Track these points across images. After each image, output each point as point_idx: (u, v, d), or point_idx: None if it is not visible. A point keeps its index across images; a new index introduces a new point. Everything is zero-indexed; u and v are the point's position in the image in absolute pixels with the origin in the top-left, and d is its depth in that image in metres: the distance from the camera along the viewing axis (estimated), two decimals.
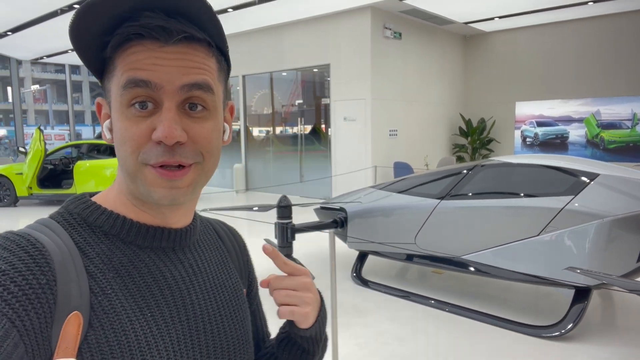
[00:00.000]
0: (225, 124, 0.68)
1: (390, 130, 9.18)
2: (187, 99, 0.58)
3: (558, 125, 10.02)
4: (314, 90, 10.66)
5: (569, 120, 9.89)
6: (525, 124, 10.38)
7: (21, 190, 9.18)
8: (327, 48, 9.23)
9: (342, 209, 4.63)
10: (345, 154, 9.22)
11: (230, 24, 9.54)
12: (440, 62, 10.47)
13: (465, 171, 3.94)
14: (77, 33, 0.57)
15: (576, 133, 9.84)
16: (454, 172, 4.06)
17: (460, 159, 10.67)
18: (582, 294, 3.29)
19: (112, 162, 9.04)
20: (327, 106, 9.71)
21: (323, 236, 5.30)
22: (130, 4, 0.55)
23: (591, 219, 3.14)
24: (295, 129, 10.80)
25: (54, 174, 9.50)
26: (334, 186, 9.37)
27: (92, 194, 0.69)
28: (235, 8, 8.47)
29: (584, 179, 3.34)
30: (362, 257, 4.75)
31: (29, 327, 0.51)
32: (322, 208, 4.97)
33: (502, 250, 3.51)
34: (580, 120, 9.73)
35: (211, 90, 0.60)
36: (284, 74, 10.68)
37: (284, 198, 4.51)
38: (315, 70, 10.23)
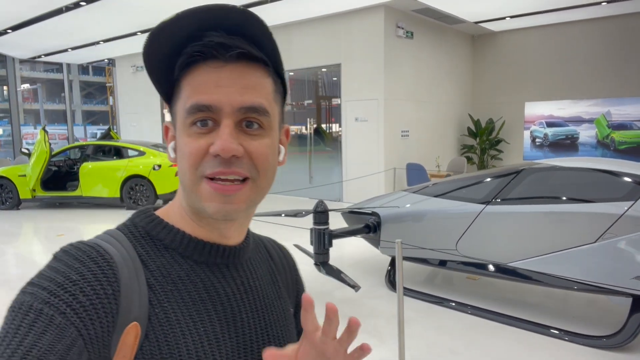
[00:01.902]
0: (281, 145, 0.70)
1: (402, 131, 9.06)
2: (244, 119, 0.61)
3: (568, 125, 9.97)
4: (316, 90, 10.52)
5: (579, 120, 9.85)
6: (534, 125, 10.32)
7: (24, 193, 8.90)
8: (339, 47, 9.08)
9: (374, 214, 4.48)
10: (357, 155, 9.08)
11: None
12: (449, 62, 10.37)
13: (511, 175, 3.81)
14: (150, 54, 0.61)
15: (586, 134, 9.80)
16: (498, 175, 3.93)
17: (469, 160, 10.58)
18: None
19: (119, 164, 8.80)
20: (330, 106, 9.57)
21: (347, 241, 5.14)
22: (197, 24, 0.59)
23: None
24: (303, 129, 10.64)
25: (58, 175, 9.23)
26: (345, 188, 9.22)
27: (157, 208, 0.71)
28: (246, 7, 8.29)
29: None
30: (394, 263, 4.60)
31: (92, 335, 0.53)
32: (351, 212, 4.82)
33: (555, 257, 3.39)
34: (590, 121, 9.69)
35: (267, 113, 0.62)
36: (291, 73, 10.52)
37: (321, 203, 4.35)
38: (323, 69, 10.08)
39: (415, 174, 8.33)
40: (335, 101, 9.74)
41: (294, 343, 0.73)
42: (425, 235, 4.10)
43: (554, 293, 4.18)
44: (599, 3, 8.40)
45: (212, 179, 0.61)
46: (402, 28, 8.76)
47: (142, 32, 10.26)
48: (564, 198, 3.50)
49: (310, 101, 10.51)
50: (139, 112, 13.67)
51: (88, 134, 31.11)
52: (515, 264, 3.58)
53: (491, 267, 3.75)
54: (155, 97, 13.12)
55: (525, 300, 4.08)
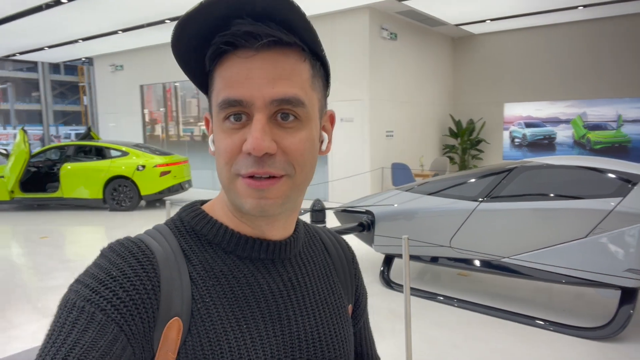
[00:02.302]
0: (324, 133, 0.67)
1: (387, 131, 9.17)
2: (278, 111, 0.58)
3: (546, 126, 10.27)
4: None
5: (556, 121, 10.15)
6: (513, 125, 10.59)
7: (2, 194, 8.64)
8: (324, 48, 9.11)
9: (368, 212, 4.54)
10: (342, 155, 9.14)
11: None
12: (431, 63, 10.55)
13: (504, 172, 3.92)
14: (179, 47, 0.59)
15: (563, 134, 10.10)
16: (491, 173, 4.04)
17: (451, 160, 10.77)
18: (629, 295, 3.32)
19: (101, 164, 8.64)
20: None
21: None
22: (221, 12, 0.56)
23: None
24: None
25: (38, 177, 8.99)
26: (330, 188, 9.27)
27: (204, 202, 0.71)
28: None
29: (630, 180, 3.37)
30: (388, 260, 4.67)
31: (134, 330, 0.54)
32: (344, 211, 4.86)
33: (547, 252, 3.50)
34: (567, 122, 10.00)
35: (302, 104, 0.59)
36: None
37: (318, 202, 4.38)
38: None
39: (401, 174, 8.44)
40: None
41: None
42: (420, 233, 4.17)
43: (544, 287, 4.31)
44: (576, 7, 8.69)
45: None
46: (387, 30, 8.87)
47: (124, 30, 10.09)
48: (556, 195, 3.62)
49: None
50: (119, 112, 13.42)
51: (61, 135, 30.30)
52: (508, 259, 3.69)
53: (484, 263, 3.85)
54: (135, 96, 12.91)
55: (517, 295, 4.20)
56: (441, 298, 4.11)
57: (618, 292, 3.36)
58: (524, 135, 10.47)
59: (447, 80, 11.28)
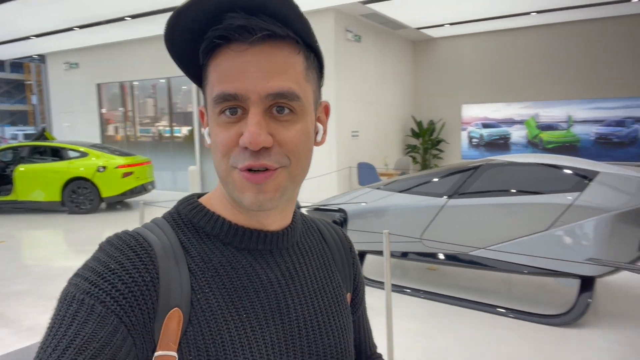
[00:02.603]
0: (319, 124, 0.68)
1: (352, 132, 9.32)
2: (273, 104, 0.59)
3: (501, 127, 10.73)
4: None
5: (511, 122, 10.62)
6: (471, 126, 11.00)
7: None
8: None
9: (341, 210, 4.63)
10: None
11: None
12: (393, 65, 10.80)
13: (470, 170, 4.10)
14: (173, 42, 0.60)
15: (518, 134, 10.59)
16: (458, 170, 4.21)
17: (413, 160, 11.06)
18: (587, 283, 3.56)
19: (58, 166, 8.31)
20: None
21: None
22: (214, 5, 0.56)
23: (598, 213, 3.42)
24: None
25: None
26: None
27: (201, 195, 0.72)
28: None
29: (587, 176, 3.62)
30: (360, 257, 4.78)
31: (134, 321, 0.55)
32: (316, 209, 4.93)
33: (512, 245, 3.71)
34: (521, 122, 10.49)
35: (297, 97, 0.60)
36: None
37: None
38: None
39: (366, 173, 8.61)
40: None
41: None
42: (391, 229, 4.29)
43: (508, 278, 4.54)
44: (529, 13, 9.14)
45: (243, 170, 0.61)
46: (351, 32, 9.02)
47: (81, 27, 9.74)
48: (519, 191, 3.83)
49: None
50: (74, 111, 12.92)
51: (7, 135, 28.75)
52: (476, 253, 3.87)
53: (453, 257, 4.02)
54: (92, 95, 12.47)
55: (483, 286, 4.41)
56: (408, 291, 4.25)
57: (577, 281, 3.60)
58: (481, 135, 10.90)
59: (409, 82, 11.58)
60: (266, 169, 0.59)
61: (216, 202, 0.69)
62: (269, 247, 0.68)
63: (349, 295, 0.79)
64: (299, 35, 0.60)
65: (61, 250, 6.23)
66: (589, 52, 9.74)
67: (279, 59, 0.58)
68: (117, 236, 0.62)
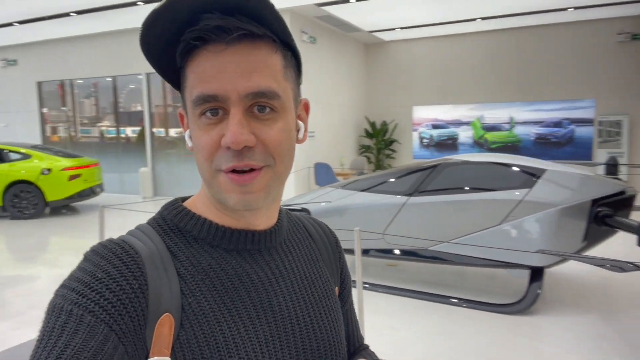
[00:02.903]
0: (300, 121, 0.68)
1: (309, 132, 9.37)
2: (254, 104, 0.59)
3: (450, 127, 11.19)
4: None
5: (458, 123, 11.11)
6: (422, 127, 11.40)
7: None
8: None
9: (304, 209, 4.69)
10: None
11: (135, 17, 8.90)
12: (347, 67, 10.99)
13: (429, 169, 4.28)
14: (149, 45, 0.59)
15: (465, 135, 11.09)
16: (417, 169, 4.38)
17: (367, 160, 11.30)
18: (537, 274, 3.82)
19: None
20: None
21: None
22: (189, 7, 0.56)
23: (545, 207, 3.68)
24: None
25: None
26: None
27: (185, 199, 0.71)
28: (147, 1, 7.94)
29: (535, 174, 3.88)
30: None
31: (125, 329, 0.55)
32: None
33: (468, 239, 3.91)
34: (467, 124, 10.99)
35: (277, 96, 0.60)
36: None
37: None
38: None
39: (323, 173, 8.71)
40: None
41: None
42: (354, 227, 4.40)
43: (463, 272, 4.77)
44: (474, 19, 9.60)
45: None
46: (307, 33, 9.10)
47: (21, 22, 9.21)
48: (473, 188, 4.05)
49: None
50: (11, 111, 12.17)
51: None
52: (435, 247, 4.05)
53: (413, 252, 4.18)
54: (32, 93, 11.80)
55: (440, 280, 4.61)
56: (367, 286, 4.38)
57: (527, 272, 3.85)
58: (431, 136, 11.32)
59: (362, 84, 11.82)
60: (251, 169, 0.60)
61: (201, 205, 0.68)
62: (257, 247, 0.68)
63: (336, 289, 0.80)
64: (276, 34, 0.60)
65: (5, 258, 5.88)
66: (529, 57, 10.36)
67: (257, 58, 0.58)
68: (102, 245, 0.61)
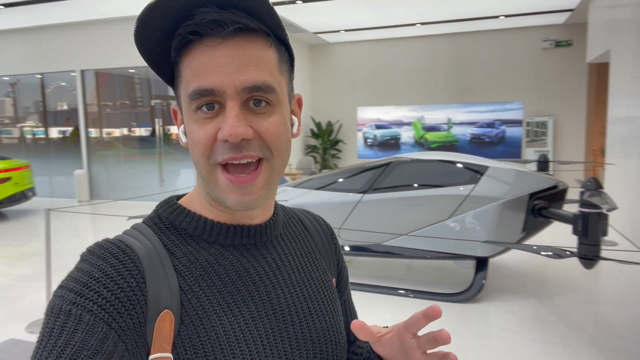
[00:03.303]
0: (294, 116, 0.69)
1: None
2: (250, 98, 0.60)
3: (392, 127, 11.58)
4: (149, 89, 10.03)
5: (400, 123, 11.51)
6: (366, 127, 11.70)
7: None
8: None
9: None
10: None
11: (66, 12, 8.44)
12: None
13: (381, 167, 4.45)
14: (143, 40, 0.59)
15: (406, 135, 11.51)
16: (371, 167, 4.53)
17: (314, 160, 11.42)
18: (482, 264, 4.09)
19: None
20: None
21: None
22: (184, 1, 0.56)
23: (489, 201, 3.95)
24: (142, 130, 10.05)
25: None
26: None
27: (180, 197, 0.73)
28: None
29: (479, 170, 4.15)
30: None
31: (124, 327, 0.55)
32: None
33: (419, 233, 4.11)
34: (409, 124, 11.42)
35: (272, 90, 0.61)
36: (132, 70, 9.88)
37: None
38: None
39: None
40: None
41: (340, 313, 0.77)
42: None
43: (412, 265, 4.99)
44: (414, 24, 10.00)
45: (225, 165, 0.61)
46: None
47: None
48: (423, 185, 4.26)
49: (159, 101, 10.02)
50: None
51: None
52: (389, 242, 4.22)
53: (367, 248, 4.33)
54: None
55: (391, 274, 4.79)
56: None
57: (473, 263, 4.11)
58: (375, 136, 11.64)
59: (307, 84, 11.92)
60: (250, 168, 0.60)
61: (196, 202, 0.69)
62: (253, 241, 0.69)
63: (334, 280, 0.81)
64: (270, 29, 0.61)
65: None
66: (464, 62, 10.95)
67: (252, 52, 0.59)
68: (98, 245, 0.61)
